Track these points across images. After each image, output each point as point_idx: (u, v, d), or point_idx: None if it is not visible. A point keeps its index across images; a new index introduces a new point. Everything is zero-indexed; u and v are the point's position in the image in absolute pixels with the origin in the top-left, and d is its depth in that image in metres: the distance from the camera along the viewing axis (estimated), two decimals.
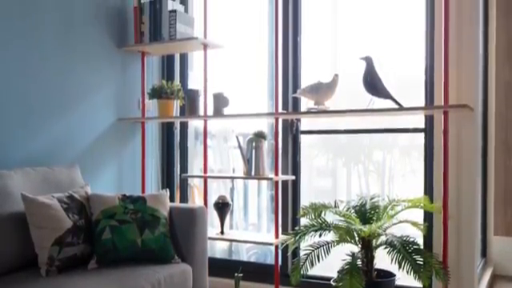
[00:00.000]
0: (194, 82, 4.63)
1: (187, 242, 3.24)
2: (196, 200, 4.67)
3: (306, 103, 3.76)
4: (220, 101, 3.91)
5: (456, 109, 3.14)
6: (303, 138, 4.13)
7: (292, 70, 4.07)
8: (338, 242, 3.25)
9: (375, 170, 4.37)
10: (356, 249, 3.24)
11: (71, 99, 3.72)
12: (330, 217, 3.33)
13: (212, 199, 4.15)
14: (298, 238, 3.27)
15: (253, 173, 3.81)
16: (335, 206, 3.40)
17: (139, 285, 2.67)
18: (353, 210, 3.40)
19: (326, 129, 4.18)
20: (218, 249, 4.77)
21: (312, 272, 3.29)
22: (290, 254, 4.04)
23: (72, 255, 2.83)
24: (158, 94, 4.08)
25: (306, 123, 4.10)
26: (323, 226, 3.26)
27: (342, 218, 3.27)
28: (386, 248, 3.07)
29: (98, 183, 3.88)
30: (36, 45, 3.44)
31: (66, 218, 2.84)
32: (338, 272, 3.04)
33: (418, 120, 3.65)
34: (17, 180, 2.93)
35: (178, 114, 4.32)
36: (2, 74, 3.21)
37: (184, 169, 4.65)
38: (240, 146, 3.88)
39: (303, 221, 3.44)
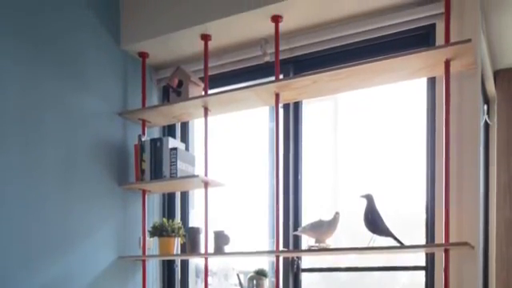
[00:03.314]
0: (195, 220, 4.65)
1: None
2: None
3: (307, 241, 3.78)
4: (221, 238, 3.93)
5: (457, 246, 3.16)
6: (304, 276, 4.10)
7: (293, 208, 4.11)
8: None
9: None
10: None
11: (71, 238, 3.72)
12: None
13: None
14: None
15: None
16: None
17: None
18: None
19: (327, 266, 4.18)
20: None
21: None
22: None
23: None
24: (158, 232, 4.09)
25: (307, 261, 4.10)
26: None
27: None
28: None
29: None
30: (36, 183, 3.46)
31: None
32: None
33: (419, 257, 3.65)
34: None
35: (179, 252, 4.29)
36: (1, 212, 3.23)
37: None
38: (241, 284, 3.86)
39: None
